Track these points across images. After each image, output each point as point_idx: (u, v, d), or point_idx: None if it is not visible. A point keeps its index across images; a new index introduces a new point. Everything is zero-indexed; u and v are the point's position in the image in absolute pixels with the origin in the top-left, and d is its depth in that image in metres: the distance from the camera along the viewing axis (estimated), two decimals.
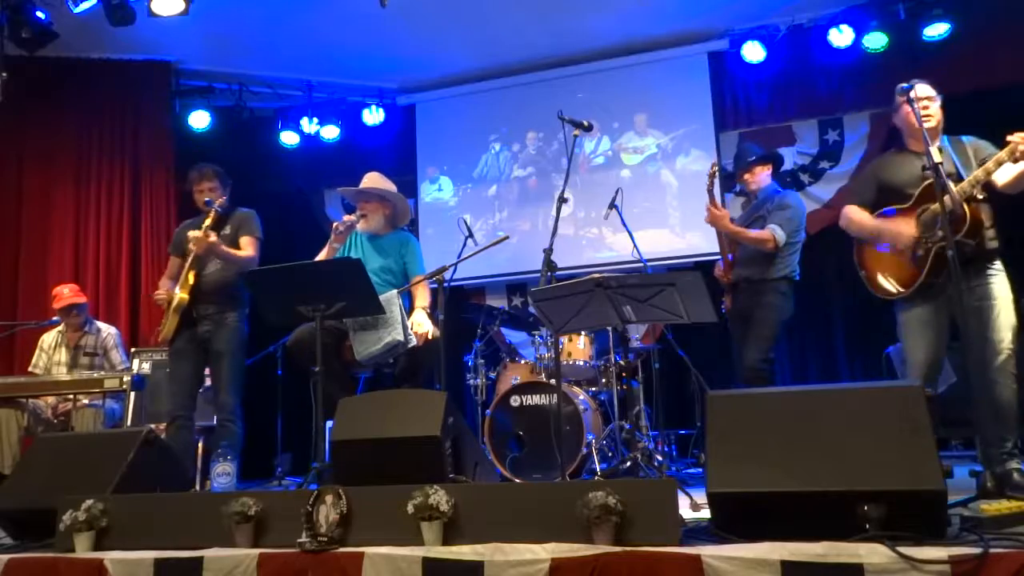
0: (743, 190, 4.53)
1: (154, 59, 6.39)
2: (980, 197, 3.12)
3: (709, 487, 2.25)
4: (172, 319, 4.01)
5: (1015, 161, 3.02)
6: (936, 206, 3.07)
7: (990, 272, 3.18)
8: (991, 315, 3.10)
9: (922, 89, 3.32)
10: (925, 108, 3.26)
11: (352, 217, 4.03)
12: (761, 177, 4.33)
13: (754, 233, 4.09)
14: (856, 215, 3.47)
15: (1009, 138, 3.02)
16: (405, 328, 3.73)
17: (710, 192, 4.20)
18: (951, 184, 3.07)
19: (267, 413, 5.61)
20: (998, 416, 3.03)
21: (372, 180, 4.25)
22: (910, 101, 3.14)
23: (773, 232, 4.06)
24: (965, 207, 3.07)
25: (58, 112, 6.25)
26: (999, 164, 3.06)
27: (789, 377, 5.79)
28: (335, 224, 4.00)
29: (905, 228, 3.25)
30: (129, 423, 4.47)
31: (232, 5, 5.62)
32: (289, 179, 7.00)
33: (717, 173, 4.27)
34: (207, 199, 4.15)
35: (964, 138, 3.36)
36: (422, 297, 4.04)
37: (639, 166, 6.58)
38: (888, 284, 3.33)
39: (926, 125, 3.22)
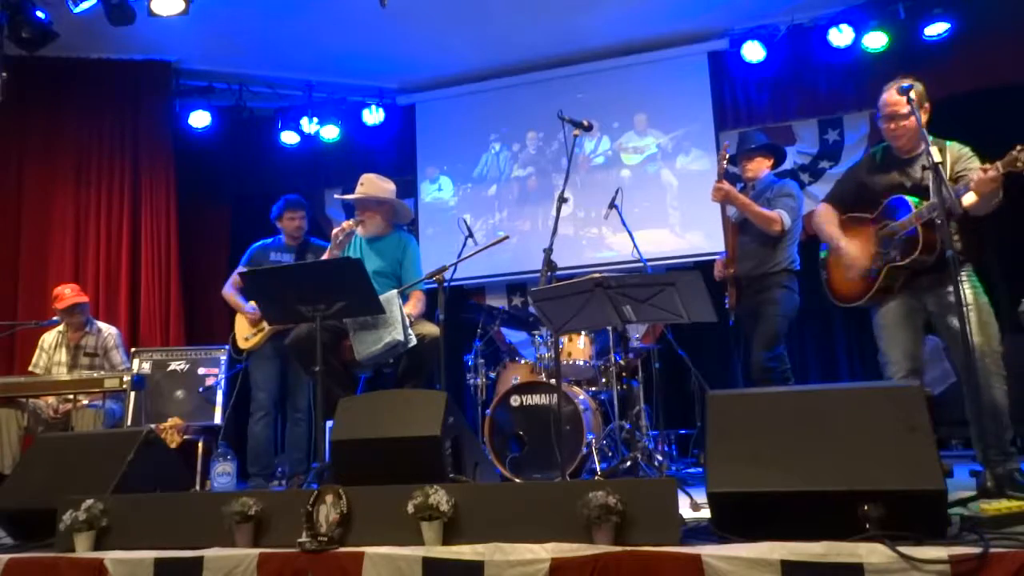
0: (737, 173, 4.52)
1: (154, 59, 6.37)
2: (939, 221, 2.98)
3: (709, 487, 2.25)
4: (266, 334, 4.75)
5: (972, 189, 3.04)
6: (896, 224, 3.22)
7: (958, 279, 3.19)
8: (967, 320, 3.11)
9: (892, 99, 3.30)
10: (892, 128, 3.30)
11: (350, 224, 4.03)
12: (761, 168, 4.34)
13: (765, 211, 4.09)
14: (823, 216, 3.57)
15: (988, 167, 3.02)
16: (405, 328, 3.72)
17: (721, 175, 4.19)
18: (911, 201, 3.15)
19: None
20: (992, 417, 3.04)
21: (368, 182, 4.23)
22: (910, 102, 3.14)
23: (781, 215, 4.07)
24: (919, 231, 3.11)
25: (58, 112, 6.24)
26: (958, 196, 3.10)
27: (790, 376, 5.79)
28: (334, 232, 4.02)
29: (862, 257, 3.36)
30: (129, 423, 4.47)
31: (232, 5, 5.62)
32: (289, 179, 6.98)
33: (728, 157, 4.26)
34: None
35: (948, 143, 3.34)
36: (412, 305, 4.05)
37: (639, 166, 6.58)
38: (843, 291, 3.49)
39: (897, 143, 3.30)
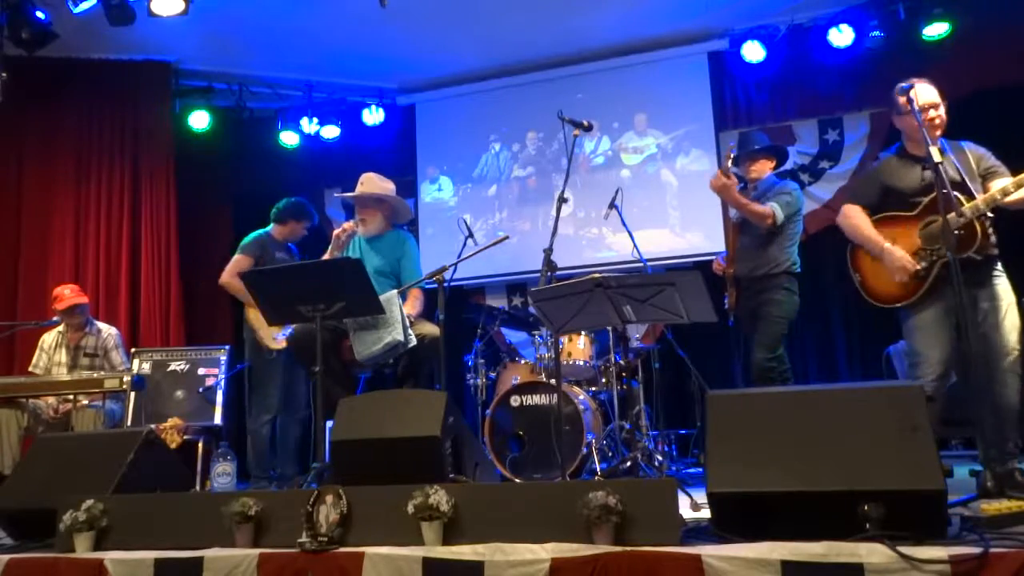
0: (740, 175, 4.51)
1: (154, 59, 6.38)
2: (991, 215, 3.12)
3: (709, 487, 2.25)
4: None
5: None
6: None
7: (995, 274, 3.20)
8: (998, 317, 3.12)
9: (926, 93, 3.29)
10: (931, 118, 3.26)
11: (351, 225, 4.04)
12: (764, 169, 4.34)
13: (756, 206, 4.09)
14: (858, 218, 3.41)
15: None
16: (405, 328, 3.72)
17: (725, 171, 4.17)
18: (961, 197, 3.08)
19: None
20: (1001, 416, 3.03)
21: (369, 181, 4.24)
22: (911, 102, 3.13)
23: (773, 209, 4.07)
24: (977, 224, 3.09)
25: (58, 112, 6.25)
26: (1020, 186, 3.07)
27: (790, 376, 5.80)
28: (335, 232, 4.02)
29: (907, 262, 3.21)
30: (129, 423, 4.47)
31: (232, 5, 5.62)
32: (289, 179, 6.99)
33: (732, 155, 4.25)
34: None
35: (963, 143, 3.34)
36: (411, 305, 4.05)
37: (639, 166, 6.58)
38: (888, 292, 3.33)
39: (936, 133, 3.24)
